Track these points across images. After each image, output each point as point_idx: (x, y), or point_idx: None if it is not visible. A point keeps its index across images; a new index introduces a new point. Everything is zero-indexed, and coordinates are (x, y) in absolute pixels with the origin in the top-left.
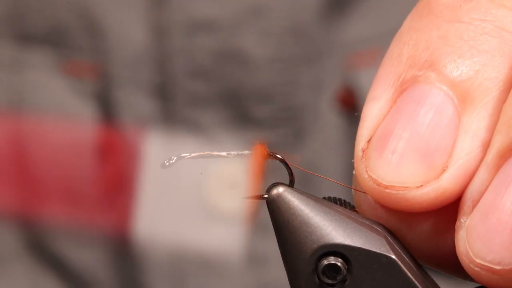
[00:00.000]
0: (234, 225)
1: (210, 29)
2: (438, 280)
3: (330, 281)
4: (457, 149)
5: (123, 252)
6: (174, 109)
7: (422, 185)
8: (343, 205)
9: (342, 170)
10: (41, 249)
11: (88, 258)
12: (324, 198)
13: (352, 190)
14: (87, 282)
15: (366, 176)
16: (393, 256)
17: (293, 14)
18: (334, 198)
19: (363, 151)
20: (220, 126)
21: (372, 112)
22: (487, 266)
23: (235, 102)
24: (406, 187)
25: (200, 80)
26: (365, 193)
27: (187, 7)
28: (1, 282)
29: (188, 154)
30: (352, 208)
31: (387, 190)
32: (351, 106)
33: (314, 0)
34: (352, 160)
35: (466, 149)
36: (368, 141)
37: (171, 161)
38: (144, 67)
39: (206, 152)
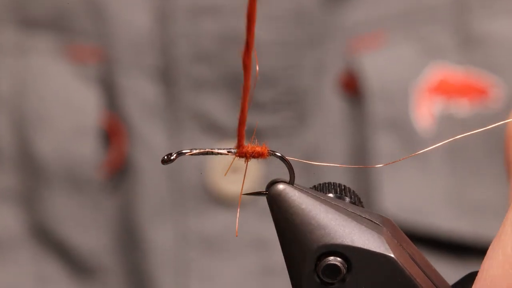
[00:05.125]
0: (237, 209)
1: (213, 13)
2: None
3: (329, 280)
4: None
5: (127, 237)
6: (177, 93)
7: None
8: (343, 191)
9: (345, 153)
10: (45, 234)
11: (92, 243)
12: (325, 184)
13: None
14: (91, 267)
15: None
16: (392, 256)
17: None
18: (334, 184)
19: None
20: (223, 110)
21: None
22: None
23: (238, 86)
24: None
25: (203, 64)
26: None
27: None
28: (5, 267)
29: (188, 151)
30: (353, 194)
31: None
32: (353, 89)
33: None
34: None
35: None
36: None
37: (171, 157)
38: (147, 51)
39: (206, 149)
